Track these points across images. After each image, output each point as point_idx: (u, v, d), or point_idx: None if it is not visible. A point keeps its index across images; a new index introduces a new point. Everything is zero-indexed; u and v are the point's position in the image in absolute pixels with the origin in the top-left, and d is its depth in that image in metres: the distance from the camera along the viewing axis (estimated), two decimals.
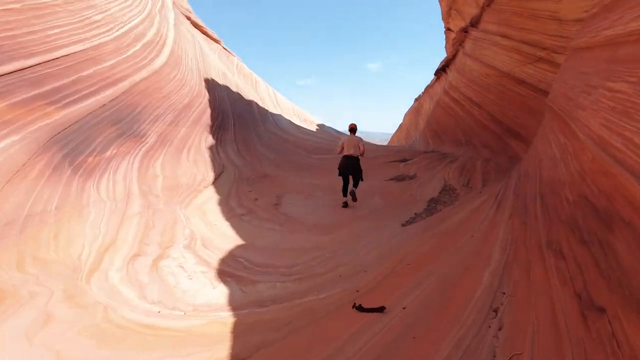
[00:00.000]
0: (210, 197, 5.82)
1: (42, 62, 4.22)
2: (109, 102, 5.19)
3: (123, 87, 5.67)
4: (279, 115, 18.94)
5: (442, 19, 19.11)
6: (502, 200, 5.08)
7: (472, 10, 12.87)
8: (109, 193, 4.31)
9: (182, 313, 2.80)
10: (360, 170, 6.87)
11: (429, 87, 23.75)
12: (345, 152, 6.81)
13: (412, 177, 9.13)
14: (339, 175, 6.90)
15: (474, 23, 11.89)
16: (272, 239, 4.74)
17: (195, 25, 15.96)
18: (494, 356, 2.04)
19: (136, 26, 7.05)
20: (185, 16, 14.73)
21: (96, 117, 4.83)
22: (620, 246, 1.77)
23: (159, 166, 5.66)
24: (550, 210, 3.03)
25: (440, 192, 7.58)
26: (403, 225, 5.73)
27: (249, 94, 15.59)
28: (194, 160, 6.72)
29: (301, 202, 6.62)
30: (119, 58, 5.87)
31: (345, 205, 6.72)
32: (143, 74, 6.38)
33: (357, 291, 3.29)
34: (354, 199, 6.69)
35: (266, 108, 17.20)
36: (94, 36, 5.47)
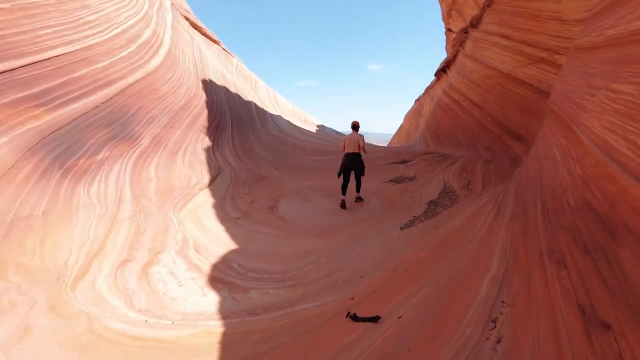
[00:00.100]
0: (205, 200, 5.72)
1: (32, 63, 4.14)
2: (102, 103, 5.09)
3: (117, 88, 5.58)
4: (279, 116, 18.85)
5: (443, 20, 19.03)
6: (502, 204, 4.99)
7: (472, 11, 12.78)
8: (99, 197, 4.21)
9: (170, 322, 2.70)
10: (363, 166, 6.97)
11: (429, 88, 23.66)
12: (347, 150, 6.93)
13: (411, 179, 9.03)
14: (340, 173, 6.96)
15: (474, 23, 11.80)
16: (267, 244, 4.64)
17: (195, 26, 15.89)
18: None
19: (132, 27, 6.96)
20: (184, 17, 14.66)
21: (88, 119, 4.73)
22: (626, 257, 1.67)
23: (153, 169, 5.56)
24: (551, 216, 2.93)
25: (439, 194, 7.48)
26: (401, 228, 5.63)
27: (248, 95, 15.50)
28: (189, 162, 6.62)
29: (298, 205, 6.52)
30: (113, 59, 5.78)
31: (344, 205, 6.71)
32: (138, 75, 6.29)
33: (352, 299, 3.19)
34: (360, 200, 6.86)
35: (265, 109, 17.11)
36: (87, 37, 5.38)
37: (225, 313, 2.90)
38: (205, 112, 8.68)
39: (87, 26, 5.55)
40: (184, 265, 3.63)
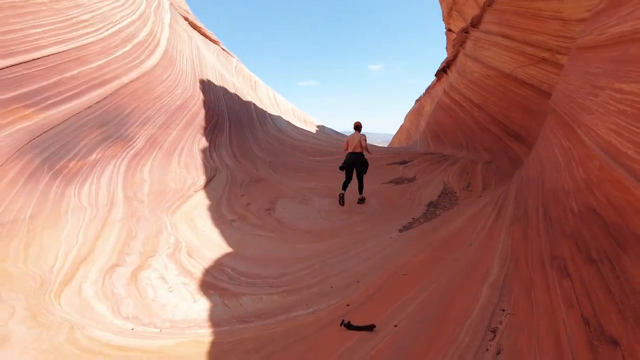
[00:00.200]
0: (200, 203, 5.63)
1: (21, 63, 4.05)
2: (95, 104, 5.00)
3: (111, 88, 5.49)
4: (278, 116, 18.76)
5: (443, 20, 18.94)
6: (503, 207, 4.89)
7: (473, 11, 12.69)
8: (90, 199, 4.12)
9: (158, 330, 2.61)
10: (366, 165, 7.03)
11: (430, 88, 23.57)
12: (349, 149, 7.00)
13: (411, 180, 8.93)
14: (341, 168, 7.04)
15: (475, 23, 11.70)
16: (262, 247, 4.54)
17: (194, 26, 15.81)
18: None
19: (127, 26, 6.88)
20: (183, 17, 14.58)
21: (80, 119, 4.64)
22: (634, 266, 1.57)
23: (147, 170, 5.47)
24: (553, 221, 2.83)
25: (439, 196, 7.39)
26: (400, 231, 5.53)
27: (247, 95, 15.41)
28: (185, 163, 6.52)
29: (295, 207, 6.42)
30: (108, 59, 5.69)
31: (342, 200, 6.73)
32: (133, 75, 6.20)
33: (348, 305, 3.09)
34: (362, 201, 6.92)
35: (265, 109, 17.02)
36: (80, 36, 5.29)
37: (215, 320, 2.80)
38: (203, 112, 8.59)
39: (80, 25, 5.46)
40: (176, 270, 3.53)
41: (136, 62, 6.52)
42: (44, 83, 4.28)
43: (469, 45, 12.14)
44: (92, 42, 5.49)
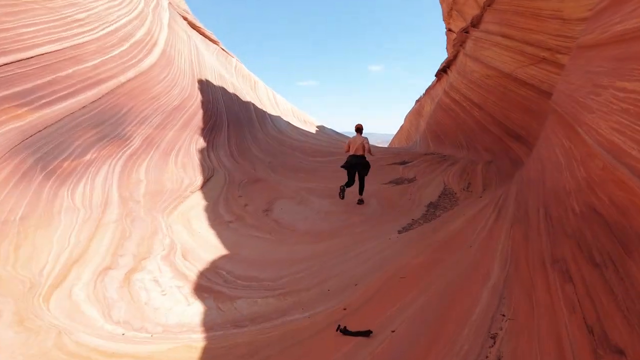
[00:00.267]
0: (197, 203, 5.56)
1: (14, 62, 3.99)
2: (90, 103, 4.94)
3: (107, 88, 5.43)
4: (278, 116, 18.70)
5: (443, 20, 18.89)
6: (503, 208, 4.83)
7: (473, 11, 12.63)
8: (84, 200, 4.06)
9: (149, 335, 2.54)
10: (368, 167, 7.05)
11: (430, 89, 23.51)
12: (352, 152, 6.96)
13: (411, 180, 8.87)
14: (342, 167, 7.04)
15: (475, 23, 11.65)
16: (259, 249, 4.48)
17: (193, 25, 15.76)
18: None
19: (124, 25, 6.82)
20: (183, 17, 14.52)
21: (75, 119, 4.58)
22: (639, 271, 1.50)
23: (144, 171, 5.41)
24: (554, 221, 2.77)
25: (439, 196, 7.33)
26: (399, 232, 5.47)
27: (246, 95, 15.35)
28: (182, 164, 6.46)
29: (294, 207, 6.36)
30: (104, 58, 5.63)
31: (342, 193, 6.78)
32: (130, 74, 6.14)
33: (345, 309, 3.02)
34: (361, 202, 6.91)
35: (264, 109, 16.96)
36: (75, 35, 5.24)
37: (209, 325, 2.74)
38: (201, 112, 8.53)
39: (75, 24, 5.40)
40: (170, 273, 3.47)
41: (133, 61, 6.46)
42: (38, 82, 4.22)
43: (469, 45, 12.09)
44: (88, 41, 5.44)
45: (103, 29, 6.02)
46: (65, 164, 4.16)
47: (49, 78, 4.38)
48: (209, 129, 8.73)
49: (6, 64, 3.88)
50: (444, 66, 17.34)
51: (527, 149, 8.09)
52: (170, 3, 12.42)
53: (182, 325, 2.71)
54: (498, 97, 9.51)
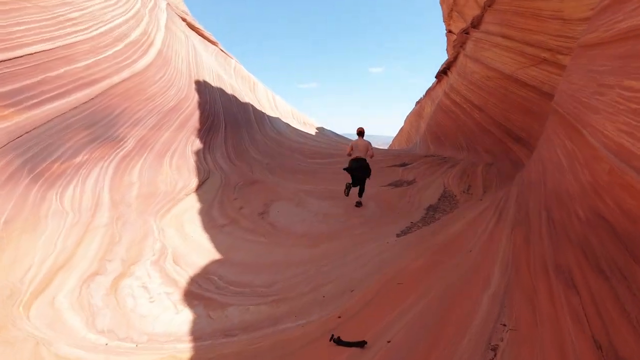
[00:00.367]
0: (191, 206, 5.45)
1: (2, 61, 3.88)
2: (82, 104, 4.84)
3: (100, 88, 5.32)
4: (277, 118, 18.60)
5: (444, 22, 18.82)
6: (504, 210, 4.73)
7: (473, 12, 12.56)
8: (73, 203, 3.95)
9: (134, 345, 2.43)
10: (369, 171, 7.04)
11: (430, 90, 23.43)
12: (354, 155, 6.94)
13: (410, 183, 8.76)
14: (345, 170, 7.06)
15: (475, 24, 11.56)
16: (253, 253, 4.37)
17: (192, 27, 15.68)
18: None
19: (119, 25, 6.72)
20: (181, 18, 14.45)
21: (65, 120, 4.48)
22: None
23: (137, 173, 5.29)
24: (557, 226, 2.65)
25: (439, 199, 7.23)
26: (398, 235, 5.37)
27: (245, 96, 15.25)
28: (177, 166, 6.35)
29: (291, 210, 6.25)
30: (97, 58, 5.53)
31: (348, 190, 6.91)
32: (124, 74, 6.04)
33: (340, 317, 2.91)
34: (359, 205, 6.86)
35: (264, 111, 16.86)
36: (68, 34, 5.13)
37: (197, 334, 2.63)
38: (197, 113, 8.42)
39: (68, 23, 5.30)
40: (159, 279, 3.35)
41: (128, 61, 6.36)
42: (27, 82, 4.12)
43: (469, 46, 12.00)
44: (81, 41, 5.33)
45: (97, 28, 5.92)
46: (55, 166, 4.06)
47: (38, 78, 4.27)
48: (206, 130, 8.62)
49: None
50: (444, 67, 17.25)
51: (527, 150, 8.00)
52: (168, 4, 12.35)
53: (169, 335, 2.60)
54: (498, 99, 9.42)
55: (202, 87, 9.82)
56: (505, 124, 9.10)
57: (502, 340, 2.16)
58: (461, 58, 13.08)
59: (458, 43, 13.51)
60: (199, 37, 16.05)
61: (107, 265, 3.33)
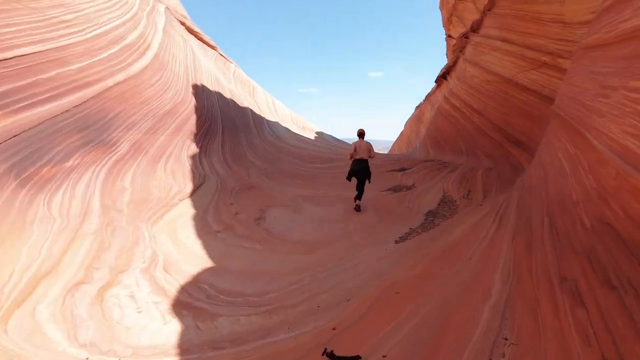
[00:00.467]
0: (185, 211, 5.33)
1: None
2: (74, 107, 4.74)
3: (93, 91, 5.23)
4: (276, 122, 18.53)
5: (443, 26, 18.80)
6: (504, 216, 4.62)
7: (473, 16, 12.53)
8: (62, 209, 3.84)
9: (117, 359, 2.31)
10: (370, 173, 7.16)
11: (430, 95, 23.41)
12: (357, 156, 7.02)
13: (409, 188, 8.65)
14: (349, 177, 7.15)
15: (475, 28, 11.52)
16: (247, 260, 4.25)
17: (191, 31, 15.65)
18: None
19: (115, 28, 6.65)
20: (180, 22, 14.42)
21: (56, 124, 4.38)
22: None
23: (130, 178, 5.18)
24: (560, 233, 2.54)
25: (438, 204, 7.12)
26: (396, 242, 5.26)
27: (244, 101, 15.18)
28: (171, 170, 6.24)
29: (287, 216, 6.13)
30: (91, 60, 5.45)
31: (358, 208, 6.88)
32: (119, 77, 5.95)
33: (334, 329, 2.79)
34: (359, 209, 6.85)
35: (263, 115, 16.78)
36: (61, 36, 5.05)
37: (184, 346, 2.51)
38: (194, 117, 8.33)
39: (62, 25, 5.23)
40: (148, 287, 3.24)
41: (123, 64, 6.27)
42: (17, 84, 4.03)
43: (469, 50, 11.95)
44: (74, 43, 5.25)
45: (92, 31, 5.84)
46: (44, 171, 3.95)
47: (28, 80, 4.18)
48: (203, 135, 8.53)
49: None
50: (444, 72, 17.21)
51: (528, 155, 7.91)
52: (167, 8, 12.31)
53: (155, 347, 2.48)
54: (498, 103, 9.34)
55: (200, 91, 9.75)
56: (505, 128, 9.02)
57: (503, 355, 2.04)
58: (461, 62, 13.03)
59: (457, 47, 13.46)
60: (198, 41, 16.02)
61: (94, 273, 3.21)
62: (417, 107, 27.88)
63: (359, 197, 6.98)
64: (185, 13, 16.46)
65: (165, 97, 7.30)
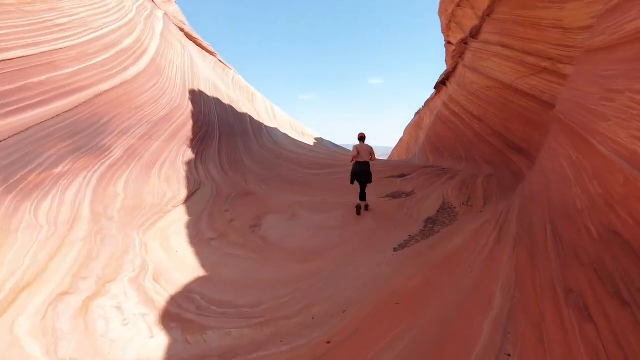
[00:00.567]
0: (179, 218, 5.21)
1: None
2: (65, 112, 4.65)
3: (85, 96, 5.14)
4: (275, 128, 18.47)
5: (442, 33, 18.84)
6: (505, 224, 4.51)
7: (471, 23, 12.54)
8: (49, 216, 3.72)
9: None
10: (371, 175, 7.32)
11: (429, 101, 23.40)
12: (360, 159, 7.17)
13: (409, 194, 8.55)
14: (352, 181, 7.27)
15: (474, 34, 11.49)
16: (241, 269, 4.12)
17: (189, 37, 15.65)
18: None
19: (111, 33, 6.59)
20: (179, 28, 14.41)
21: (46, 128, 4.28)
22: None
23: (122, 184, 5.07)
24: (564, 243, 2.42)
25: (438, 211, 7.00)
26: (395, 249, 5.14)
27: (243, 107, 15.13)
28: (166, 176, 6.13)
29: (283, 223, 6.01)
30: (84, 65, 5.37)
31: (359, 210, 6.96)
32: (113, 82, 5.87)
33: (329, 342, 2.66)
34: (366, 208, 7.06)
35: (262, 121, 16.72)
36: (54, 40, 4.98)
37: None
38: (190, 123, 8.24)
39: (56, 29, 5.16)
40: (136, 298, 3.11)
41: (117, 69, 6.20)
42: (5, 88, 3.93)
43: (468, 56, 11.92)
44: (67, 47, 5.18)
45: (86, 35, 5.77)
46: (32, 177, 3.84)
47: (17, 84, 4.09)
48: (199, 140, 8.43)
49: None
50: (443, 78, 17.19)
51: (528, 161, 7.81)
52: (166, 14, 12.30)
53: None
54: (498, 109, 9.27)
55: (197, 97, 9.67)
56: (505, 134, 8.94)
57: None
58: (460, 68, 13.00)
59: (457, 54, 13.44)
60: (197, 47, 16.01)
61: (80, 283, 3.09)
62: (417, 114, 27.87)
63: (362, 198, 7.08)
64: (184, 19, 16.48)
65: (161, 103, 7.21)
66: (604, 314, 1.62)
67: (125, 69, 6.44)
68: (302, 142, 20.25)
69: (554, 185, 3.14)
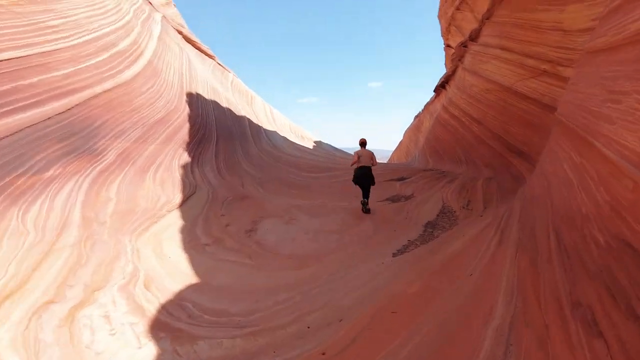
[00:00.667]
0: (173, 223, 5.11)
1: None
2: (57, 114, 4.56)
3: (79, 98, 5.05)
4: (274, 132, 18.39)
5: (442, 36, 18.80)
6: (506, 228, 4.42)
7: (471, 26, 12.48)
8: (37, 221, 3.62)
9: None
10: (373, 178, 7.51)
11: (428, 104, 23.35)
12: (361, 164, 7.34)
13: (408, 198, 8.46)
14: (355, 183, 7.45)
15: (473, 37, 11.44)
16: (235, 276, 4.01)
17: (188, 39, 15.60)
18: None
19: (106, 35, 6.51)
20: (177, 30, 14.36)
21: (37, 131, 4.19)
22: None
23: (115, 188, 4.97)
24: (570, 251, 2.32)
25: (438, 215, 6.91)
26: (394, 255, 5.04)
27: (242, 110, 15.05)
28: (161, 180, 6.03)
29: (280, 227, 5.90)
30: (78, 67, 5.28)
31: (365, 207, 7.16)
32: (107, 85, 5.78)
33: (323, 354, 2.56)
34: (368, 210, 7.15)
35: (260, 125, 16.64)
36: (47, 42, 4.89)
37: None
38: (187, 126, 8.15)
39: (49, 30, 5.07)
40: (125, 306, 3.00)
41: (112, 71, 6.11)
42: None
43: (467, 59, 11.87)
44: (61, 49, 5.09)
45: (80, 37, 5.69)
46: (20, 181, 3.74)
47: (7, 86, 4.00)
48: (196, 143, 8.33)
49: None
50: (443, 81, 17.14)
51: (529, 164, 7.73)
52: (164, 17, 12.24)
53: None
54: (498, 112, 9.20)
55: (194, 100, 9.59)
56: (505, 137, 8.86)
57: None
58: (459, 71, 12.94)
59: (456, 57, 13.39)
60: (196, 50, 15.95)
61: (67, 291, 2.98)
62: (416, 117, 27.83)
63: (366, 197, 7.24)
64: (183, 22, 16.43)
65: (157, 105, 7.13)
66: (614, 328, 1.52)
67: (121, 71, 6.36)
68: (301, 145, 20.17)
69: (555, 189, 3.05)
